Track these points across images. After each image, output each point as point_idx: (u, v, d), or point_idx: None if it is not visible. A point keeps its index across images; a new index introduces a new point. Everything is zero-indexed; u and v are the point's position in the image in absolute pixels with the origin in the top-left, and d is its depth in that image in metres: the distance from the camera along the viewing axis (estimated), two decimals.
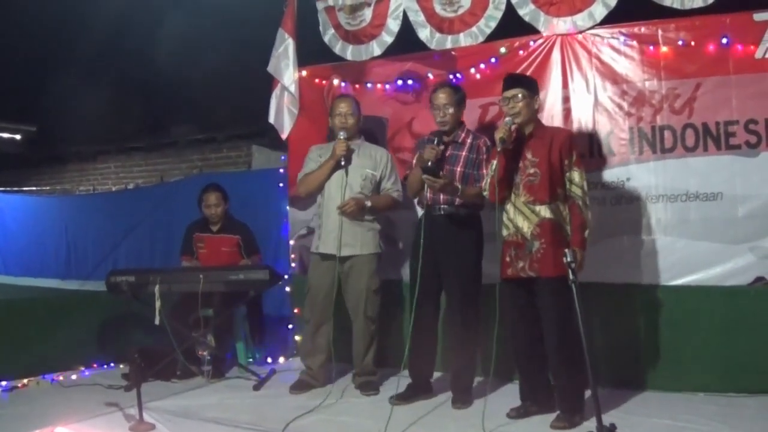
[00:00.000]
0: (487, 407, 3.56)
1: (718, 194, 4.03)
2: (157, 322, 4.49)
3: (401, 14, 4.84)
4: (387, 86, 4.95)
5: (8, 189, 11.01)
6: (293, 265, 5.28)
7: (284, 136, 5.25)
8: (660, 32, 4.14)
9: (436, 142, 3.94)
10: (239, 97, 8.26)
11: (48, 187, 11.88)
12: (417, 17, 4.79)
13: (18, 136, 11.76)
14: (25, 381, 4.62)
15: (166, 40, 8.31)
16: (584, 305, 3.09)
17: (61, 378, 4.74)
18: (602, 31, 4.28)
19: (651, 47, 4.16)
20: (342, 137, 4.31)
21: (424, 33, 4.77)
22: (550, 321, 3.54)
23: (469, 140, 4.08)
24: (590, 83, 4.33)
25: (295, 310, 5.07)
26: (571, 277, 3.10)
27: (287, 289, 5.25)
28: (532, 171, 3.63)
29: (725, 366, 3.95)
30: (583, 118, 4.35)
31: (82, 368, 4.93)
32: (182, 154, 10.33)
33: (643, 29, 4.20)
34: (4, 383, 4.53)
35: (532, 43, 4.47)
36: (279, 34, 5.13)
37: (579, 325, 3.06)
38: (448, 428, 3.59)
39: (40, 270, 8.89)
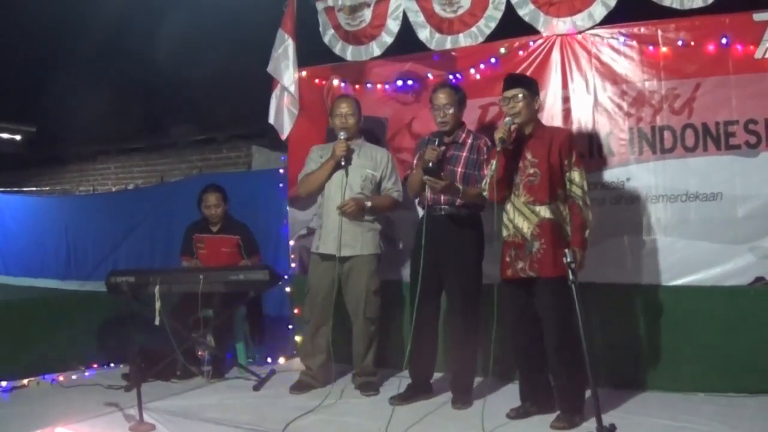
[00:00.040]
0: (487, 408, 3.57)
1: (717, 194, 4.03)
2: (157, 322, 4.48)
3: (401, 15, 4.85)
4: (387, 87, 4.95)
5: (8, 189, 11.01)
6: (293, 265, 5.29)
7: (284, 136, 5.25)
8: (660, 32, 4.15)
9: (437, 142, 3.94)
10: (239, 98, 8.26)
11: (48, 188, 11.88)
12: (417, 18, 4.79)
13: (18, 137, 11.76)
14: (25, 381, 4.62)
15: (166, 40, 8.30)
16: (584, 305, 3.09)
17: (61, 378, 4.74)
18: (602, 32, 4.29)
19: (651, 47, 4.16)
20: (342, 137, 4.31)
21: (424, 33, 4.78)
22: (550, 321, 3.54)
23: (469, 141, 4.08)
24: (590, 83, 4.33)
25: (295, 311, 5.08)
26: (570, 277, 3.10)
27: (287, 289, 5.25)
28: (531, 171, 3.63)
29: (725, 366, 3.95)
30: (582, 118, 4.35)
31: (83, 368, 4.93)
32: (182, 155, 10.33)
33: (642, 29, 4.20)
34: (4, 383, 4.52)
35: (531, 43, 4.48)
36: (279, 34, 5.13)
37: (579, 325, 3.05)
38: (447, 429, 3.59)
39: (40, 270, 8.89)
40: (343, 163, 4.27)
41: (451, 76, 4.66)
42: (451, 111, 4.02)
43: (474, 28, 4.62)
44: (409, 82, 4.87)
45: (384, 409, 3.84)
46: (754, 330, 3.90)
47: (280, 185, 5.42)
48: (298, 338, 5.03)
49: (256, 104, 5.64)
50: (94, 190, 11.12)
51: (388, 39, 4.91)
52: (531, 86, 3.76)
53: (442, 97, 4.03)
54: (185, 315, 4.80)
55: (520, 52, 4.50)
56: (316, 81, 5.19)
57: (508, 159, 3.65)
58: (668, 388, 4.03)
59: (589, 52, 4.32)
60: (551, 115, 4.36)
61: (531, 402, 3.70)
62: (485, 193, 3.75)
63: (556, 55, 4.39)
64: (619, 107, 4.27)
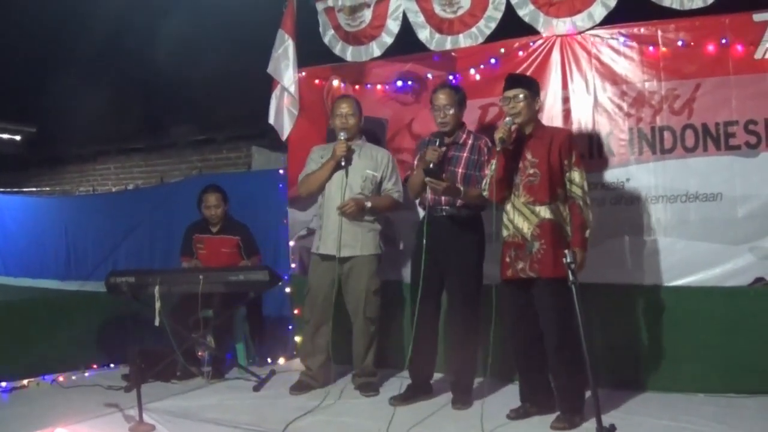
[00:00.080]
0: (487, 408, 3.57)
1: (717, 195, 4.03)
2: (156, 323, 4.49)
3: (401, 15, 4.85)
4: (387, 87, 4.95)
5: (8, 190, 11.01)
6: (293, 265, 5.28)
7: (284, 137, 5.25)
8: (659, 33, 4.15)
9: (437, 143, 3.94)
10: (239, 98, 8.25)
11: (48, 188, 11.88)
12: (416, 18, 4.79)
13: (18, 137, 11.76)
14: (25, 382, 4.62)
15: (166, 40, 8.30)
16: (584, 306, 3.08)
17: (61, 379, 4.74)
18: (602, 32, 4.29)
19: (650, 48, 4.16)
20: (342, 138, 4.31)
21: (424, 34, 4.77)
22: (550, 321, 3.54)
23: (470, 141, 4.08)
24: (590, 84, 4.33)
25: (295, 311, 5.07)
26: (570, 278, 3.10)
27: (287, 289, 5.24)
28: (531, 171, 3.63)
29: (725, 366, 3.95)
30: (582, 118, 4.35)
31: (82, 369, 4.92)
32: (182, 155, 10.32)
33: (642, 30, 4.20)
34: (4, 384, 4.53)
35: (531, 43, 4.48)
36: (279, 35, 5.13)
37: (579, 325, 3.05)
38: (447, 429, 3.59)
39: (40, 271, 8.89)
40: (343, 164, 4.27)
41: (450, 77, 4.66)
42: (451, 112, 4.01)
43: (474, 29, 4.62)
44: (409, 83, 4.88)
45: (384, 409, 3.85)
46: (754, 330, 3.90)
47: (280, 186, 5.42)
48: (298, 339, 5.03)
49: (256, 105, 5.64)
50: (94, 191, 11.12)
51: (388, 39, 4.91)
52: (532, 86, 3.76)
53: (442, 98, 4.02)
54: (185, 315, 4.80)
55: (520, 53, 4.50)
56: (316, 81, 5.19)
57: (508, 159, 3.65)
58: (668, 389, 4.03)
59: (589, 53, 4.32)
60: (551, 115, 4.36)
61: (531, 402, 3.70)
62: (485, 193, 3.75)
63: (556, 56, 4.39)
64: (619, 108, 4.27)
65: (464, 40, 4.66)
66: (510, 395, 3.95)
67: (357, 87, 5.04)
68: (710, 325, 3.99)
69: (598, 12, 4.26)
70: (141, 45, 8.78)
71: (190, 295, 4.70)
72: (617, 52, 4.25)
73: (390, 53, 4.95)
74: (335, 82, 5.13)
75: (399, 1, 4.84)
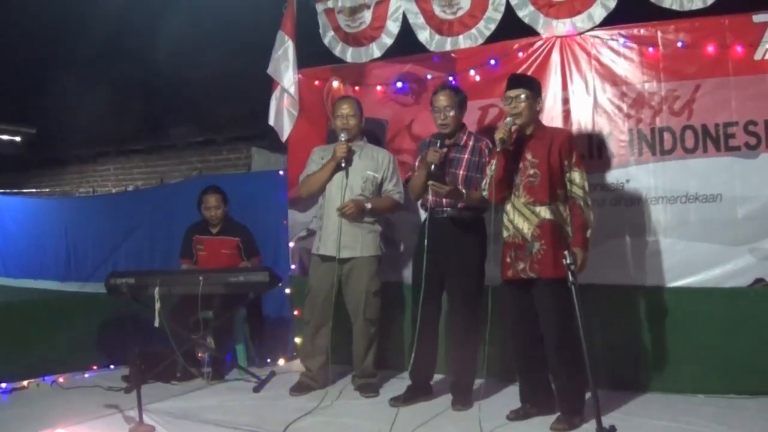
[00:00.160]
0: (487, 409, 3.57)
1: (717, 196, 4.03)
2: (156, 324, 4.48)
3: (401, 16, 4.85)
4: (387, 88, 4.95)
5: (8, 191, 11.00)
6: (293, 266, 5.28)
7: (284, 138, 5.25)
8: (659, 34, 4.15)
9: (438, 144, 3.93)
10: (239, 99, 8.26)
11: (48, 189, 11.87)
12: (416, 19, 4.79)
13: (18, 138, 11.75)
14: (25, 383, 4.63)
15: (166, 41, 8.31)
16: (584, 306, 3.09)
17: (61, 380, 4.74)
18: (601, 33, 4.29)
19: (650, 49, 4.16)
20: (343, 138, 4.31)
21: (424, 35, 4.78)
22: (550, 322, 3.54)
23: (471, 143, 4.07)
24: (590, 85, 4.33)
25: (295, 312, 5.07)
26: (570, 278, 3.10)
27: (287, 290, 5.24)
28: (531, 172, 3.64)
29: (725, 367, 3.95)
30: (582, 119, 4.35)
31: (82, 370, 4.92)
32: (182, 156, 10.32)
33: (642, 31, 4.20)
34: (4, 385, 4.53)
35: (531, 45, 4.47)
36: (279, 36, 5.13)
37: (579, 326, 3.06)
38: (447, 430, 3.59)
39: (40, 272, 8.88)
40: (343, 165, 4.27)
41: (450, 78, 4.66)
42: (451, 113, 4.01)
43: (474, 30, 4.62)
44: (409, 84, 4.88)
45: (384, 410, 3.85)
46: (754, 331, 3.90)
47: (280, 187, 5.41)
48: (297, 340, 5.02)
49: (256, 106, 5.64)
50: (94, 192, 11.11)
51: (387, 40, 4.91)
52: (534, 87, 3.76)
53: (442, 99, 4.02)
54: (185, 316, 4.80)
55: (520, 54, 4.50)
56: (316, 82, 5.19)
57: (508, 159, 3.65)
58: (668, 390, 4.03)
59: (588, 54, 4.33)
60: (551, 116, 4.36)
61: (531, 403, 3.70)
62: (485, 194, 3.75)
63: (555, 57, 4.39)
64: (619, 109, 4.27)
65: (464, 41, 4.66)
66: (510, 396, 3.95)
67: (357, 88, 5.04)
68: (710, 326, 3.99)
69: (598, 13, 4.26)
70: (141, 45, 8.79)
71: (190, 296, 4.70)
72: (617, 53, 4.26)
73: (390, 54, 4.95)
74: (335, 83, 5.13)
75: (399, 3, 4.85)
